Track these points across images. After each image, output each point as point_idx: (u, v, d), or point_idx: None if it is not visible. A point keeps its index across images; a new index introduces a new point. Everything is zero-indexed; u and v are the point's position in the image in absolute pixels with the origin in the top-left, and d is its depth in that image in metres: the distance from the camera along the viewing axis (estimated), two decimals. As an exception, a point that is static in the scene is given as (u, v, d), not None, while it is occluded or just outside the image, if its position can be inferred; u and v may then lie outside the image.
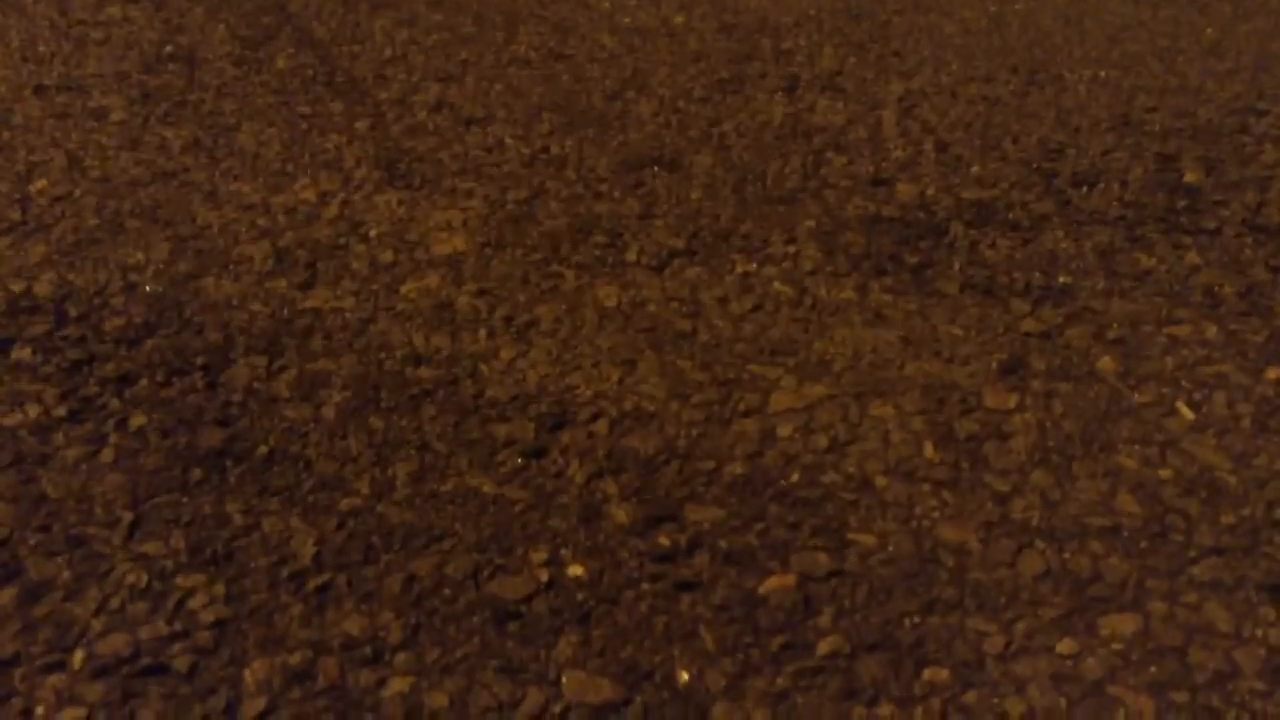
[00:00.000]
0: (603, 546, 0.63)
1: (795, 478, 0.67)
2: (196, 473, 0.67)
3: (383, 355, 0.79)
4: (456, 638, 0.57)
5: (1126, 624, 0.58)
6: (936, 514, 0.65)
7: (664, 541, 0.63)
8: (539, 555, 0.63)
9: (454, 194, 1.06)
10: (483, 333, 0.82)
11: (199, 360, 0.77)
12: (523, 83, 1.40)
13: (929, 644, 0.57)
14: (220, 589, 0.60)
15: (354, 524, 0.65)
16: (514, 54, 1.52)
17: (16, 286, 0.87)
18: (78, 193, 1.03)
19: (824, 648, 0.57)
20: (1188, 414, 0.72)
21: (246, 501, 0.65)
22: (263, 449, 0.69)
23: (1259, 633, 0.57)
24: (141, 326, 0.81)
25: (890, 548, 0.63)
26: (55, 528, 0.64)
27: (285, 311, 0.84)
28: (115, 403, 0.73)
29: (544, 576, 0.61)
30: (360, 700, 0.54)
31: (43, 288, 0.86)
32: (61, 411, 0.72)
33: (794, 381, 0.75)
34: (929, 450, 0.69)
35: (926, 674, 0.55)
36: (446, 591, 0.60)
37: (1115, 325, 0.83)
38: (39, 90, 1.30)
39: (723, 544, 0.63)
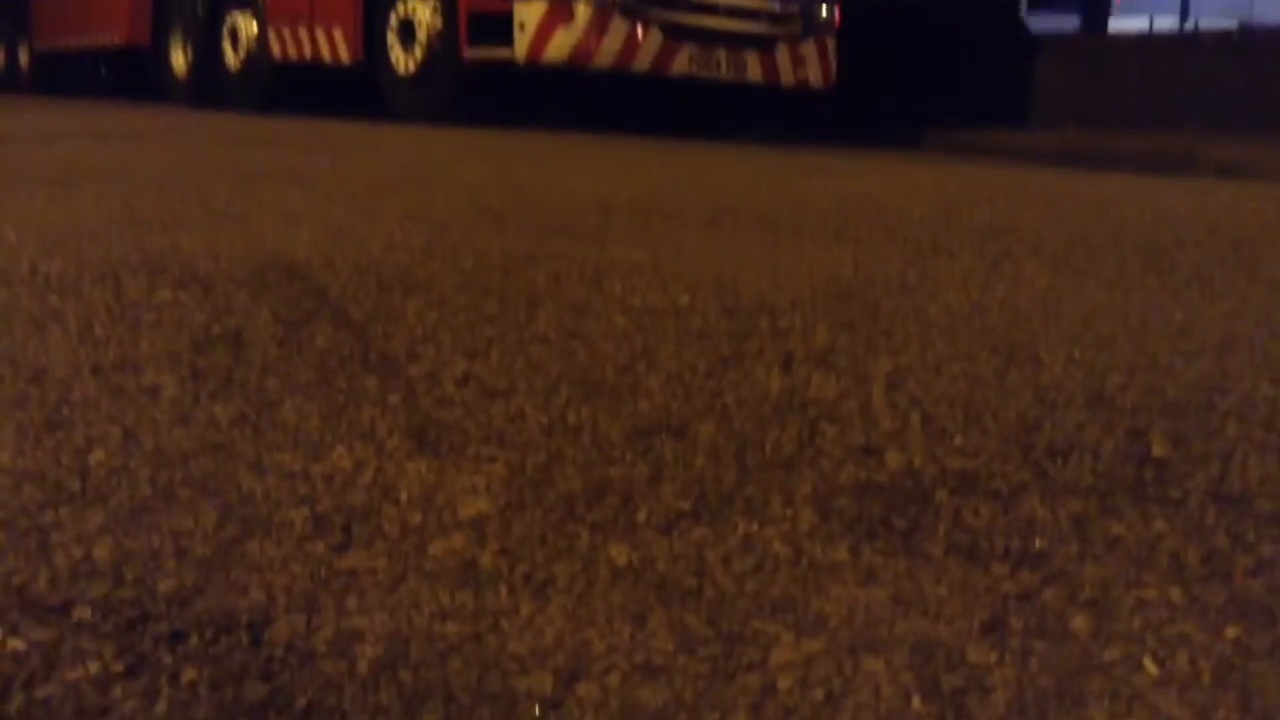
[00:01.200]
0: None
1: (794, 729, 0.72)
2: (240, 723, 0.72)
3: (412, 612, 0.85)
4: None
5: None
6: (927, 764, 0.69)
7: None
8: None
9: (478, 460, 1.14)
10: (504, 589, 0.88)
11: (244, 619, 0.84)
12: (542, 358, 1.51)
13: None
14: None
15: (383, 772, 0.69)
16: (534, 332, 1.65)
17: (77, 552, 0.94)
18: (133, 464, 1.11)
19: None
20: (1153, 670, 0.78)
21: (284, 750, 0.70)
22: (301, 701, 0.74)
23: None
24: (192, 588, 0.88)
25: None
26: (107, 775, 0.69)
27: (323, 572, 0.91)
28: (168, 659, 0.78)
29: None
30: None
31: (101, 552, 0.94)
32: (119, 667, 0.77)
33: (793, 637, 0.81)
34: (916, 703, 0.74)
35: None
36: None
37: (1088, 588, 0.90)
38: (96, 370, 1.42)
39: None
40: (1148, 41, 12.91)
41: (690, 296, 1.90)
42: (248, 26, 9.53)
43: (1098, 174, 5.66)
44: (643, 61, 7.24)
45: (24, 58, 15.03)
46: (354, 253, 2.22)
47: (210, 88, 10.03)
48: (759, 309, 1.82)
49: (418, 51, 7.70)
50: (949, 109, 10.37)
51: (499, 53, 7.11)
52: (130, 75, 12.74)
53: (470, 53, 7.30)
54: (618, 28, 7.08)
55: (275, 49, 9.11)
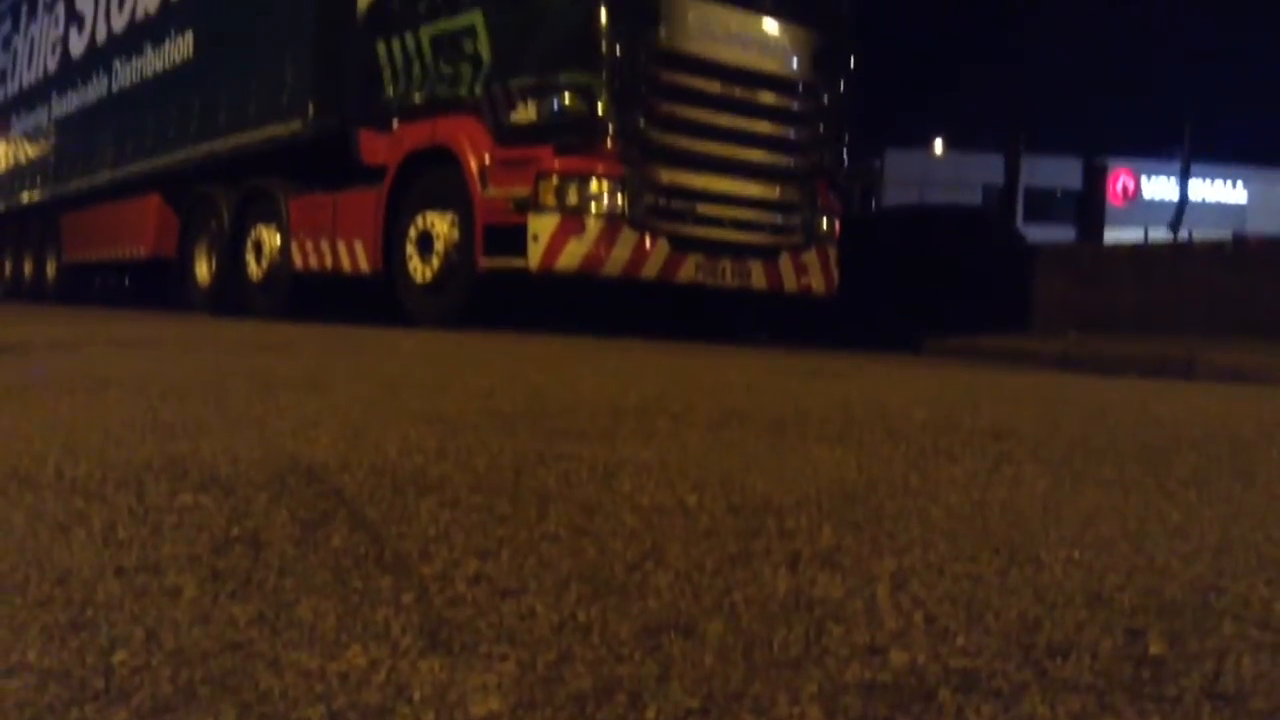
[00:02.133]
0: None
1: None
2: None
3: (425, 810, 0.87)
4: None
5: None
6: None
7: None
8: None
9: (490, 658, 1.17)
10: (515, 789, 0.90)
11: (259, 814, 0.85)
12: (553, 556, 1.55)
13: None
14: None
15: None
16: (545, 531, 1.69)
17: (98, 749, 0.96)
18: (155, 663, 1.14)
19: None
20: None
21: None
22: None
23: None
24: (209, 782, 0.90)
25: None
26: None
27: (337, 769, 0.93)
28: None
29: None
30: None
31: (121, 748, 0.96)
32: None
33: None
34: None
35: None
36: None
37: (1089, 784, 0.91)
38: (119, 571, 1.45)
39: None
40: (1143, 251, 13.34)
41: (698, 496, 1.94)
42: (271, 239, 9.93)
43: (1098, 378, 5.77)
44: (651, 270, 7.50)
45: (51, 269, 15.58)
46: (370, 454, 2.28)
47: (232, 297, 10.37)
48: (765, 509, 1.86)
49: (435, 261, 8.00)
50: (950, 315, 10.62)
51: (513, 262, 7.39)
52: (154, 286, 13.18)
53: (485, 262, 7.57)
54: (627, 238, 7.37)
55: (297, 260, 9.47)
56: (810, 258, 8.34)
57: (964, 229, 15.17)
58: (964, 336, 8.91)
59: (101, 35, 14.12)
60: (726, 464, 2.28)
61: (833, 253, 8.53)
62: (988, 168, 45.21)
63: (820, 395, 3.70)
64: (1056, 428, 3.08)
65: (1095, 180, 48.99)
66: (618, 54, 7.28)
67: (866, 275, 10.10)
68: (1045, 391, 4.36)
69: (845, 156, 8.88)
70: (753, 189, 8.02)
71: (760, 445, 2.60)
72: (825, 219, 8.47)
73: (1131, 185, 49.94)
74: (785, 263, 8.20)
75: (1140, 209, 48.57)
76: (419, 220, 8.14)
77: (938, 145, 50.12)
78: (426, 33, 8.17)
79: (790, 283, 8.25)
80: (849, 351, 7.68)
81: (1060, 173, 47.89)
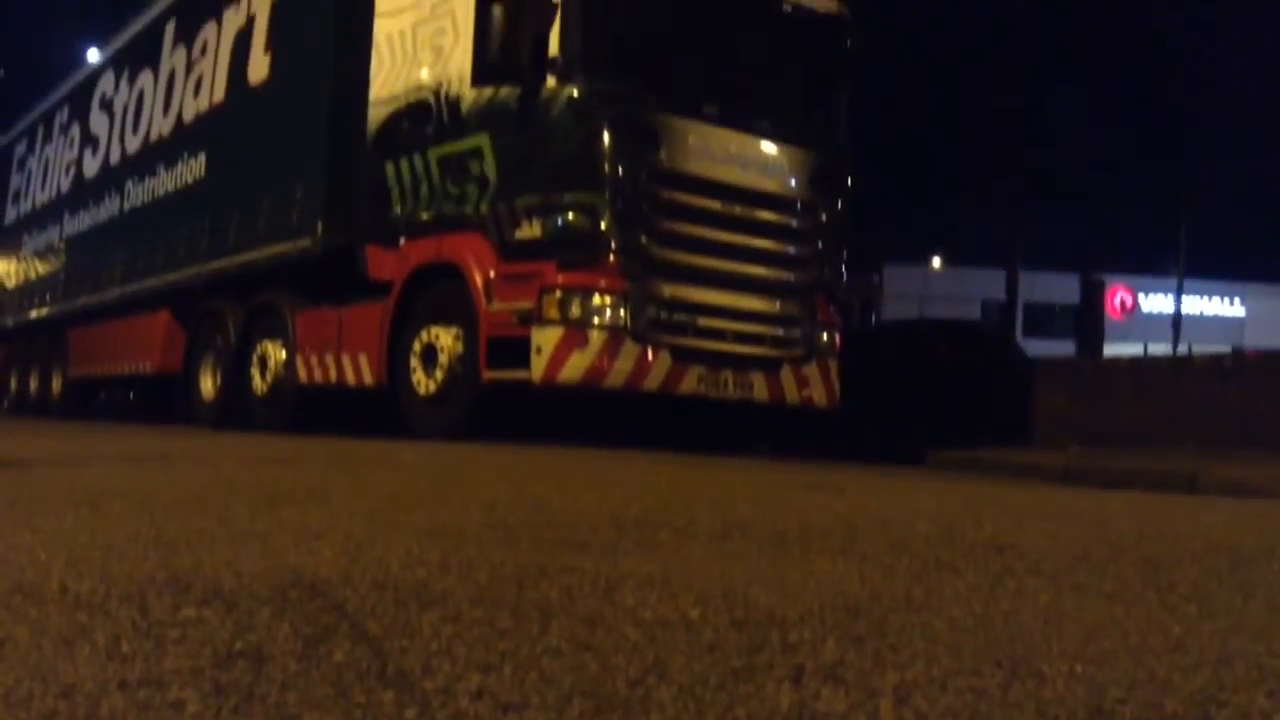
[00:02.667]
0: None
1: None
2: None
3: None
4: None
5: None
6: None
7: None
8: None
9: (492, 776, 1.16)
10: None
11: None
12: (555, 671, 1.55)
13: None
14: None
15: None
16: (547, 645, 1.69)
17: None
18: (157, 775, 1.14)
19: None
20: None
21: None
22: None
23: None
24: None
25: None
26: None
27: None
28: None
29: None
30: None
31: None
32: None
33: None
34: None
35: None
36: None
37: None
38: (123, 685, 1.46)
39: None
40: (1143, 365, 13.43)
41: (701, 609, 1.95)
42: (276, 354, 10.02)
43: (1100, 492, 5.76)
44: (653, 382, 7.55)
45: (56, 384, 15.68)
46: (373, 568, 2.29)
47: (236, 411, 10.42)
48: (769, 622, 1.86)
49: (439, 374, 8.06)
50: (952, 428, 10.64)
51: (516, 374, 7.45)
52: (158, 400, 13.25)
53: (489, 374, 7.64)
54: (629, 351, 7.44)
55: (302, 373, 9.54)
56: (811, 370, 8.40)
57: (964, 343, 15.30)
58: (966, 450, 8.91)
59: (115, 156, 14.47)
60: (729, 577, 2.29)
61: (834, 365, 8.60)
62: (986, 282, 45.75)
63: (823, 508, 3.70)
64: (1058, 541, 3.08)
65: (1093, 295, 49.47)
66: (620, 174, 7.46)
67: (868, 388, 10.15)
68: (1047, 505, 4.36)
69: (844, 271, 9.01)
70: (753, 303, 8.13)
71: (763, 558, 2.60)
72: (825, 332, 8.57)
73: (1129, 300, 50.47)
74: (787, 375, 8.26)
75: (1139, 323, 48.99)
76: (424, 334, 8.23)
77: (936, 261, 50.81)
78: (434, 154, 8.37)
79: (792, 395, 8.30)
80: (851, 464, 7.68)
81: (1058, 288, 48.42)
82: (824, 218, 8.48)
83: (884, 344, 15.14)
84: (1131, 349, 37.72)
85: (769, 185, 8.16)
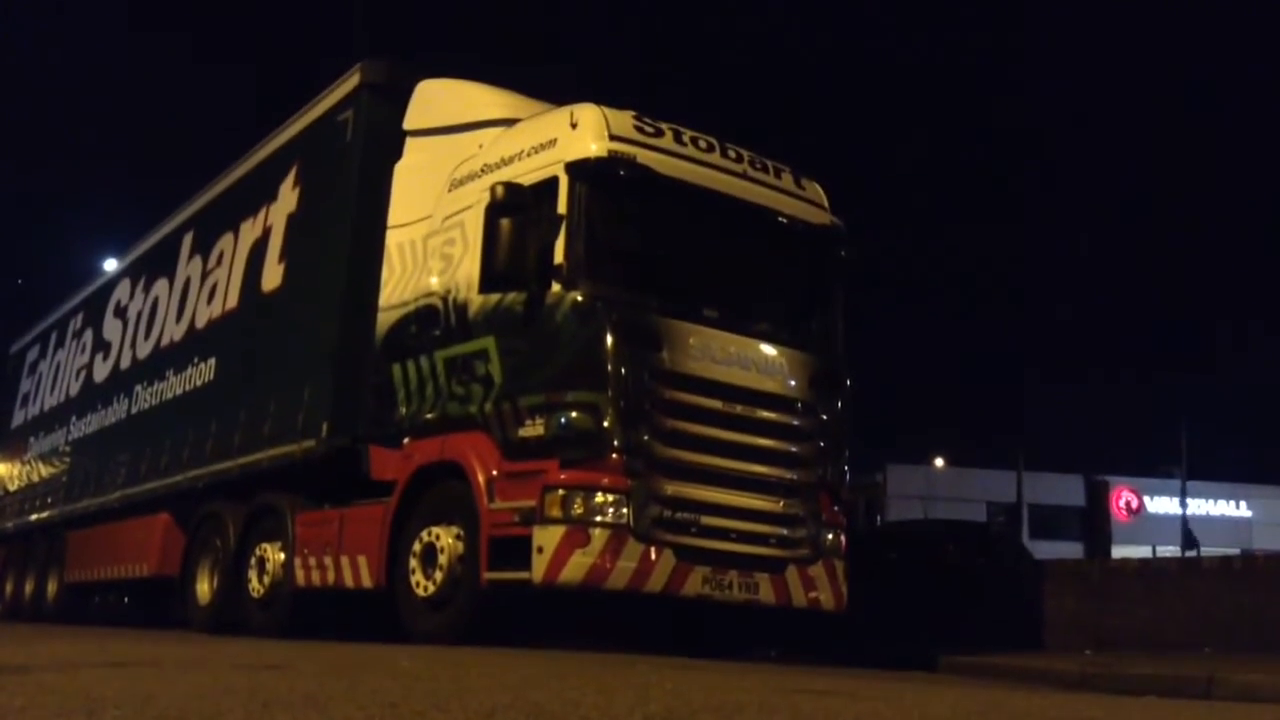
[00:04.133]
0: None
1: None
2: None
3: None
4: None
5: None
6: None
7: None
8: None
9: None
10: None
11: None
12: None
13: None
14: None
15: None
16: None
17: None
18: None
19: None
20: None
21: None
22: None
23: None
24: None
25: None
26: None
27: None
28: None
29: None
30: None
31: None
32: None
33: None
34: None
35: None
36: None
37: None
38: None
39: None
40: (1152, 567, 13.25)
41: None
42: (275, 556, 9.94)
43: (1116, 698, 5.60)
44: (656, 583, 7.45)
45: (52, 588, 15.49)
46: (368, 778, 2.22)
47: (231, 615, 10.26)
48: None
49: (438, 575, 7.97)
50: (961, 631, 10.42)
51: (517, 575, 7.36)
52: (152, 605, 13.05)
53: (489, 575, 7.54)
54: (632, 550, 7.37)
55: (300, 576, 9.44)
56: (818, 571, 8.30)
57: (972, 545, 15.15)
58: (978, 654, 8.71)
59: (126, 361, 14.72)
60: (736, 786, 2.21)
61: (840, 567, 8.49)
62: (990, 483, 45.68)
63: (832, 716, 3.60)
64: (1076, 748, 2.99)
65: (1098, 497, 49.36)
66: (622, 374, 7.57)
67: (875, 590, 10.00)
68: (1063, 713, 4.24)
69: (846, 471, 9.02)
70: (757, 502, 8.10)
71: (770, 767, 2.52)
72: (831, 532, 8.50)
73: (1135, 501, 50.24)
74: (793, 576, 8.15)
75: (1146, 525, 48.59)
76: (424, 534, 8.18)
77: (939, 461, 50.84)
78: (441, 355, 8.53)
79: (799, 597, 8.17)
80: (861, 669, 7.49)
81: (1062, 489, 48.29)
82: (824, 417, 8.55)
83: (890, 545, 14.99)
84: (1140, 551, 37.28)
85: (769, 385, 8.27)
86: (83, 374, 16.46)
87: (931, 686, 5.81)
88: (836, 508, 8.71)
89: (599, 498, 7.34)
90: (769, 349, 8.40)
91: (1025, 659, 8.54)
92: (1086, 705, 4.87)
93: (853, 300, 9.51)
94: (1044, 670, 7.60)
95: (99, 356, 15.87)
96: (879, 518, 39.36)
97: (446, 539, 7.99)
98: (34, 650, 6.37)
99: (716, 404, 7.94)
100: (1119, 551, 41.41)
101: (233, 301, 11.82)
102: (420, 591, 8.10)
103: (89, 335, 16.63)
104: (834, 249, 9.21)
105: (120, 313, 15.42)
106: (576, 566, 7.22)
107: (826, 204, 9.25)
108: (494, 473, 7.75)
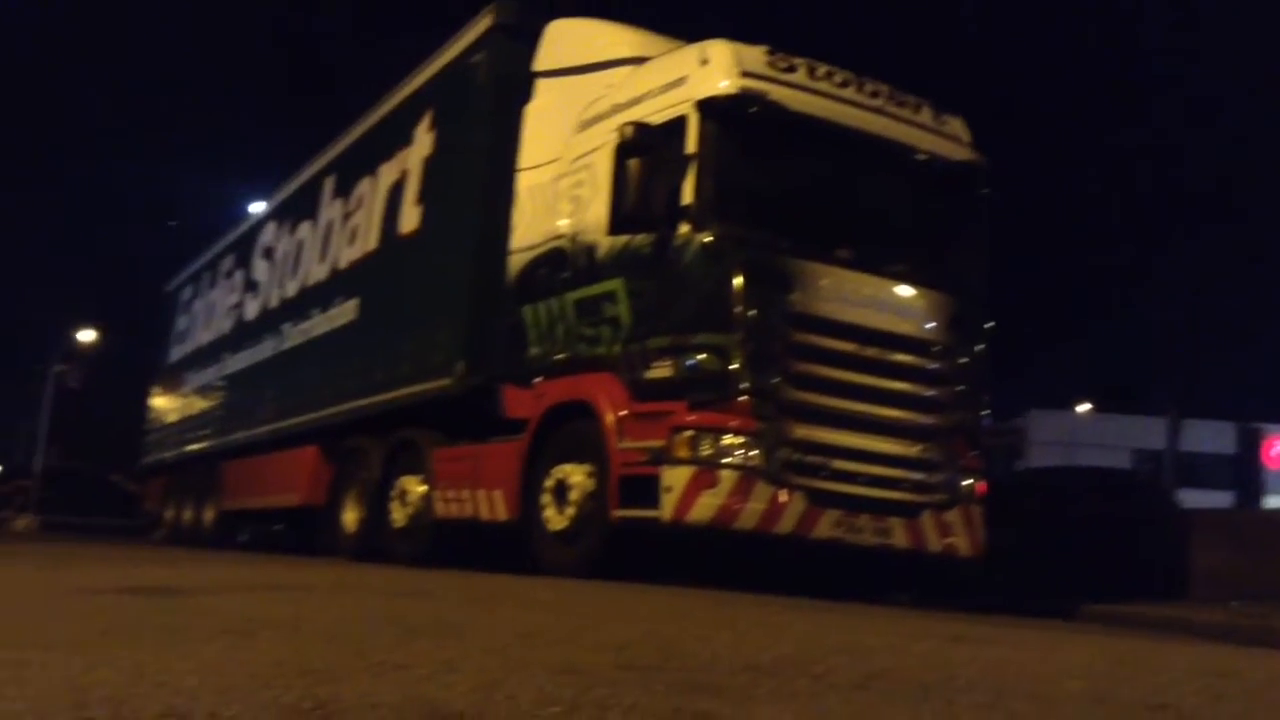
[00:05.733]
0: None
1: None
2: None
3: None
4: None
5: None
6: None
7: None
8: None
9: None
10: None
11: None
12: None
13: None
14: None
15: None
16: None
17: None
18: None
19: None
20: None
21: None
22: None
23: None
24: None
25: None
26: None
27: None
28: None
29: None
30: None
31: None
32: None
33: None
34: None
35: None
36: None
37: None
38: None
39: None
40: (1308, 517, 12.64)
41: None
42: (415, 489, 10.27)
43: (1262, 651, 5.40)
44: (785, 525, 7.44)
45: (209, 515, 16.33)
46: (504, 705, 2.29)
47: (375, 543, 10.65)
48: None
49: (570, 511, 8.12)
50: (1102, 580, 10.16)
51: (646, 513, 7.44)
52: (302, 531, 13.65)
53: (619, 512, 7.65)
54: (761, 492, 7.36)
55: (439, 508, 9.73)
56: (954, 517, 8.16)
57: (1117, 493, 14.71)
58: (1118, 603, 8.48)
59: (274, 300, 15.29)
60: (867, 728, 2.21)
61: (977, 513, 8.33)
62: (1136, 430, 44.13)
63: (967, 661, 3.56)
64: (1220, 704, 2.90)
65: (1251, 444, 47.26)
66: (751, 316, 7.52)
67: (1014, 537, 9.80)
68: (1205, 663, 4.10)
69: (985, 416, 8.81)
70: (890, 446, 7.99)
71: (903, 712, 2.51)
72: (968, 478, 8.34)
73: (1289, 450, 47.94)
74: (928, 522, 8.04)
75: (1301, 475, 46.35)
76: (556, 471, 8.33)
77: (1084, 406, 49.30)
78: (570, 298, 8.61)
79: (933, 543, 8.05)
80: (996, 616, 7.38)
81: (1211, 436, 46.36)
82: (962, 360, 8.35)
83: (1032, 491, 14.68)
84: (1296, 500, 35.59)
85: (904, 328, 8.11)
86: (234, 312, 17.18)
87: (1068, 635, 5.70)
88: (974, 453, 8.53)
89: (727, 439, 7.34)
90: (905, 290, 8.23)
91: (1168, 609, 8.28)
92: (1230, 656, 4.71)
93: (996, 239, 9.21)
94: (1188, 620, 7.37)
95: (249, 295, 16.54)
96: (1020, 464, 38.46)
97: (578, 476, 8.12)
98: (194, 573, 6.75)
99: (849, 347, 7.83)
100: (1271, 502, 39.64)
101: (372, 243, 12.14)
102: (552, 526, 8.27)
103: (239, 275, 17.32)
104: (975, 186, 8.91)
105: (268, 254, 16.01)
106: (705, 507, 7.26)
107: (968, 139, 8.95)
108: (623, 413, 7.82)
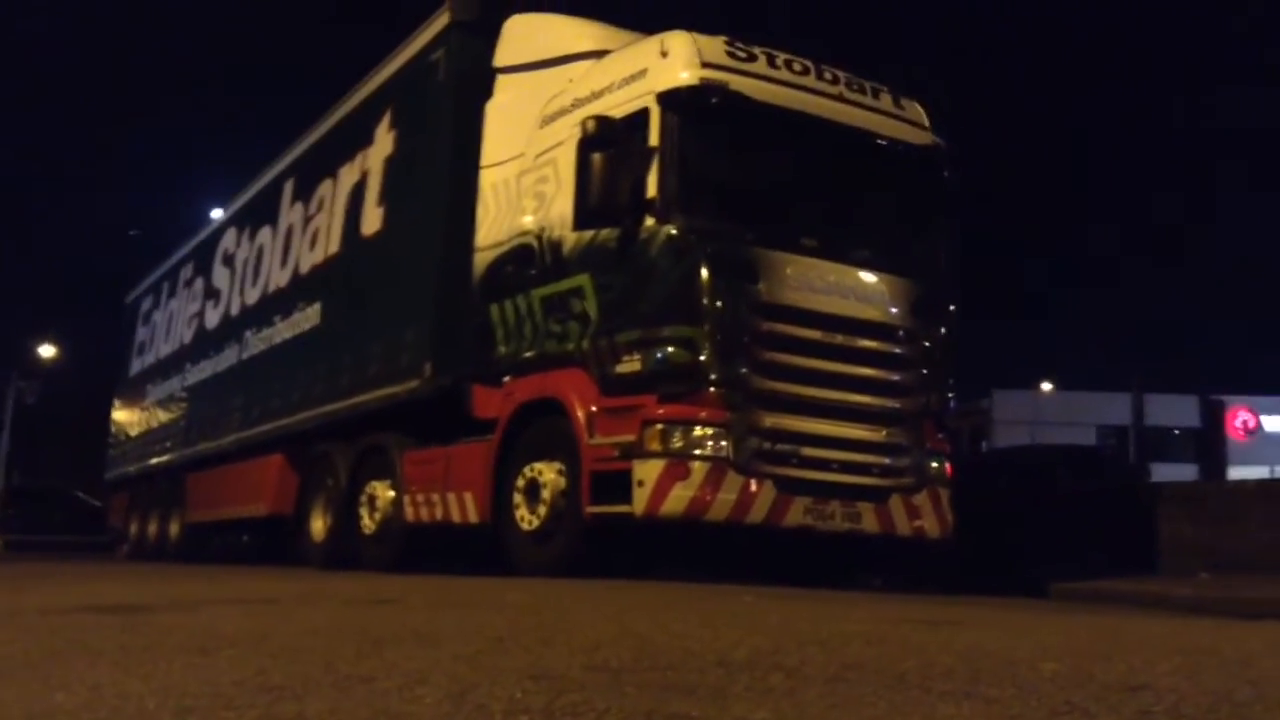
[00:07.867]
0: None
1: None
2: None
3: None
4: None
5: None
6: None
7: None
8: None
9: None
10: None
11: None
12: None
13: None
14: None
15: None
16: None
17: None
18: None
19: None
20: None
21: None
22: None
23: None
24: None
25: None
26: None
27: None
28: None
29: None
30: None
31: None
32: None
33: None
34: None
35: None
36: None
37: None
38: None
39: None
40: (1273, 487, 12.76)
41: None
42: (384, 494, 10.18)
43: (1234, 623, 5.43)
44: (757, 514, 7.43)
45: (174, 529, 16.14)
46: (475, 716, 2.24)
47: (345, 550, 10.55)
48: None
49: (541, 509, 8.07)
50: (1071, 557, 10.23)
51: (619, 508, 7.40)
52: (270, 542, 13.52)
53: (591, 509, 7.61)
54: (732, 482, 7.35)
55: (409, 512, 9.65)
56: (922, 499, 8.18)
57: (1083, 469, 14.81)
58: (1089, 580, 8.53)
59: (235, 308, 15.12)
60: (844, 723, 2.18)
61: (945, 494, 8.36)
62: (1099, 407, 44.58)
63: (943, 646, 3.54)
64: (1195, 679, 2.89)
65: (1214, 417, 47.88)
66: (718, 307, 7.50)
67: (983, 517, 9.84)
68: (1180, 639, 4.11)
69: (951, 398, 8.84)
70: (859, 431, 7.99)
71: (881, 703, 2.48)
72: (935, 460, 8.37)
73: (1252, 421, 48.61)
74: (896, 505, 8.06)
75: (1263, 445, 47.01)
76: (527, 470, 8.28)
77: (1046, 385, 49.76)
78: (537, 294, 8.55)
79: (903, 526, 8.07)
80: (969, 598, 7.39)
81: (1175, 410, 46.88)
82: (927, 344, 8.37)
83: (998, 471, 14.75)
84: (1257, 471, 36.06)
85: (870, 314, 8.11)
86: (195, 322, 16.97)
87: (1043, 615, 5.70)
88: (941, 435, 8.56)
89: (698, 431, 7.32)
90: (869, 276, 8.23)
91: (1138, 584, 8.33)
92: (1204, 631, 4.72)
93: (958, 222, 9.23)
94: (1159, 595, 7.41)
95: (210, 304, 16.34)
96: (985, 444, 38.76)
97: (549, 474, 8.07)
98: (159, 588, 6.64)
99: (816, 334, 7.83)
100: (1236, 473, 40.13)
101: (335, 246, 12.02)
102: (525, 526, 8.21)
103: (199, 284, 17.11)
104: (936, 170, 8.93)
105: (228, 261, 15.82)
106: (677, 499, 7.23)
107: (928, 123, 8.96)
108: (593, 409, 7.78)
